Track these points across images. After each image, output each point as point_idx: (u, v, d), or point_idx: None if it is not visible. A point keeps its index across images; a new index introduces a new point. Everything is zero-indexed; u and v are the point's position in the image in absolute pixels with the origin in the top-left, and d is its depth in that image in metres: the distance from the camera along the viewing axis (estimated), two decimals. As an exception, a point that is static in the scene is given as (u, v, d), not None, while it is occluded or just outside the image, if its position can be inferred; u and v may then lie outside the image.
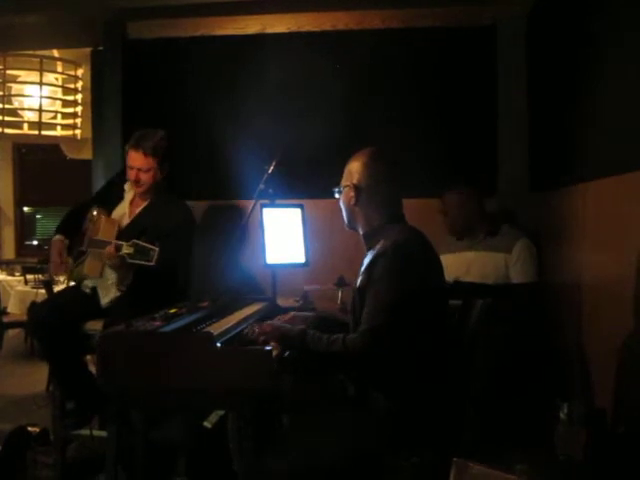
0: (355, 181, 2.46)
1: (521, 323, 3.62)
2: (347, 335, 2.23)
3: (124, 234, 3.41)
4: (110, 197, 3.77)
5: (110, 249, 3.31)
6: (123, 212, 3.69)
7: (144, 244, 3.11)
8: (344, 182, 2.53)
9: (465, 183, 4.02)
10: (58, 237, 3.67)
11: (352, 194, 2.46)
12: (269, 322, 2.58)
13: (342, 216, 2.58)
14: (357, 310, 2.36)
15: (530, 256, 3.78)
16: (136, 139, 3.63)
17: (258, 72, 4.51)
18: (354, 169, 2.48)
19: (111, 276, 3.55)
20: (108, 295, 3.60)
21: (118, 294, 3.55)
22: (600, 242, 3.25)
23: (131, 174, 3.61)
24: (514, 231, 3.88)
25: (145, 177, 3.60)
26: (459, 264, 3.87)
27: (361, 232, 2.52)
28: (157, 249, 3.08)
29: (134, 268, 3.37)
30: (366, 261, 2.40)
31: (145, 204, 3.69)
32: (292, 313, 2.80)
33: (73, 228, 3.72)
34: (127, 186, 3.73)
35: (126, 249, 3.15)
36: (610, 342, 3.00)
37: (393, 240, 2.30)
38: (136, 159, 3.57)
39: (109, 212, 3.66)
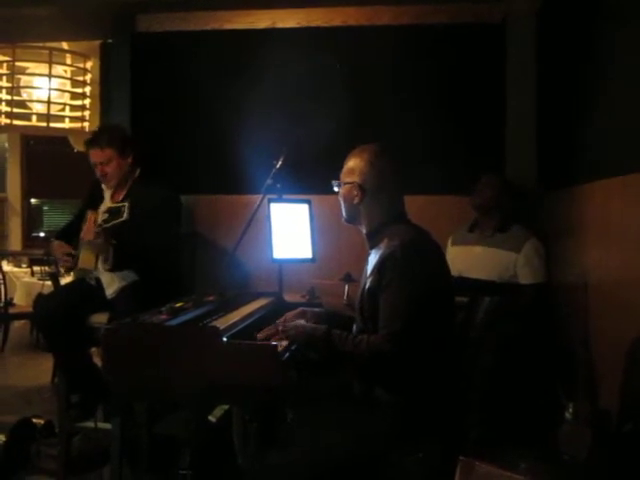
0: (360, 180, 2.42)
1: (528, 323, 3.62)
2: (370, 337, 2.23)
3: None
4: (96, 200, 3.83)
5: (87, 227, 3.36)
6: (107, 208, 3.73)
7: (115, 204, 3.16)
8: (346, 178, 2.48)
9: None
10: (56, 242, 3.75)
11: (356, 193, 2.43)
12: (292, 323, 2.57)
13: (341, 210, 2.56)
14: (366, 311, 2.36)
15: (539, 257, 3.77)
16: (90, 138, 3.78)
17: (267, 67, 4.51)
18: (358, 167, 2.44)
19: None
20: (112, 286, 3.62)
21: (122, 285, 3.57)
22: (606, 242, 3.24)
23: (96, 171, 3.71)
24: (524, 231, 3.87)
25: (109, 169, 3.68)
26: (466, 257, 3.89)
27: (364, 231, 2.50)
28: (126, 204, 3.12)
29: (112, 243, 3.39)
30: (372, 260, 2.39)
31: (124, 193, 3.74)
32: (301, 308, 2.80)
33: (69, 237, 3.78)
34: (104, 185, 3.80)
35: (102, 217, 3.20)
36: (616, 342, 2.99)
37: (400, 240, 2.29)
38: (94, 155, 3.68)
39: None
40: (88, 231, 3.37)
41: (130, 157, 3.71)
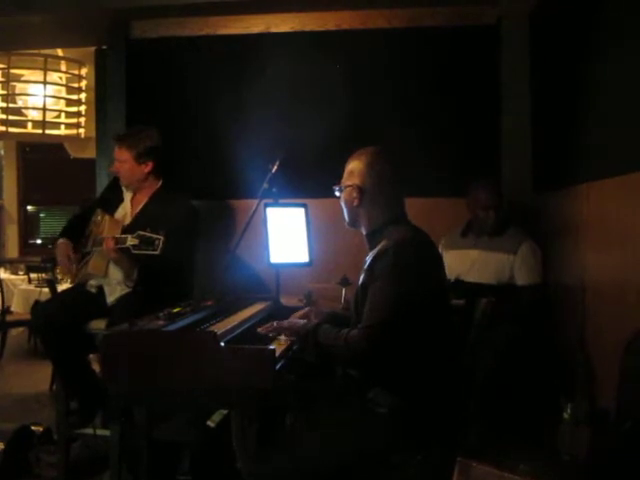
0: (358, 182, 2.44)
1: (526, 323, 3.63)
2: (351, 330, 2.23)
3: (128, 231, 3.42)
4: (112, 199, 3.83)
5: (108, 242, 3.34)
6: (125, 212, 3.74)
7: (149, 234, 3.13)
8: (346, 182, 2.51)
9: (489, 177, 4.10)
10: (62, 240, 3.71)
11: (355, 195, 2.44)
12: (287, 320, 2.60)
13: (343, 214, 2.58)
14: (359, 306, 2.36)
15: (534, 258, 3.78)
16: (120, 133, 3.86)
17: (262, 71, 4.52)
18: (357, 169, 2.46)
19: (117, 275, 3.56)
20: (114, 294, 3.61)
21: (124, 292, 3.56)
22: (603, 242, 3.24)
23: (113, 165, 3.78)
24: (519, 233, 3.87)
25: (121, 168, 3.71)
26: (462, 261, 3.87)
27: (364, 232, 2.51)
28: (162, 237, 3.09)
29: (138, 263, 3.40)
30: (368, 259, 2.40)
31: (145, 201, 3.74)
32: (307, 308, 2.81)
33: (77, 232, 3.78)
34: (123, 186, 3.81)
35: (131, 241, 3.17)
36: (613, 342, 2.99)
37: (395, 239, 2.30)
38: (115, 151, 3.73)
39: (112, 214, 3.70)
40: (108, 248, 3.36)
41: (148, 166, 3.69)
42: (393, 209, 2.46)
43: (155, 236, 3.11)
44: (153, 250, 3.11)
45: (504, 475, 1.46)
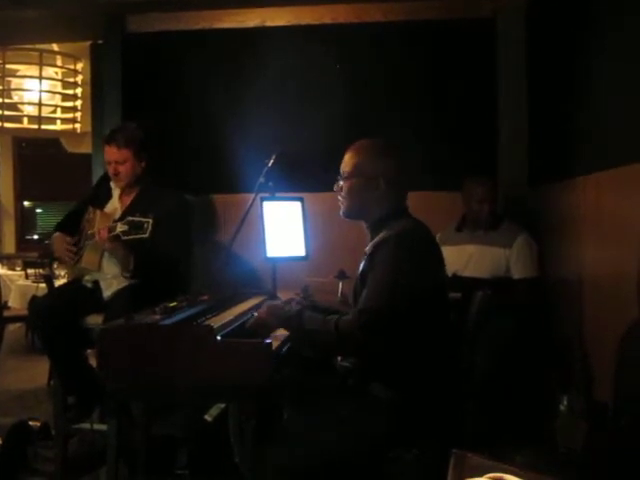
0: (364, 173, 2.42)
1: (523, 317, 3.63)
2: (342, 316, 2.20)
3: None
4: (101, 195, 3.82)
5: (101, 233, 3.34)
6: (114, 207, 3.73)
7: (138, 218, 3.12)
8: (349, 172, 2.46)
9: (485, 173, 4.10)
10: (57, 234, 3.72)
11: (358, 186, 2.42)
12: (267, 304, 2.57)
13: (340, 207, 2.55)
14: (358, 295, 2.35)
15: (530, 251, 3.78)
16: (109, 134, 3.73)
17: (258, 65, 4.51)
18: (361, 160, 2.43)
19: (112, 269, 3.56)
20: (110, 288, 3.61)
21: (120, 287, 3.56)
22: (600, 235, 3.25)
23: (110, 169, 3.68)
24: (514, 226, 3.87)
25: (123, 169, 3.65)
26: (459, 257, 3.87)
27: (366, 223, 2.49)
28: (150, 220, 3.09)
29: (133, 252, 3.39)
30: (368, 249, 2.39)
31: (134, 195, 3.73)
32: (288, 298, 2.80)
33: (70, 227, 3.78)
34: (113, 183, 3.77)
35: (120, 227, 3.17)
36: (611, 335, 3.00)
37: (397, 230, 2.29)
38: (111, 153, 3.64)
39: (102, 209, 3.69)
40: (101, 238, 3.35)
41: (144, 162, 3.68)
42: (396, 201, 2.44)
43: (144, 219, 3.11)
44: (142, 233, 3.11)
45: (500, 466, 1.46)
